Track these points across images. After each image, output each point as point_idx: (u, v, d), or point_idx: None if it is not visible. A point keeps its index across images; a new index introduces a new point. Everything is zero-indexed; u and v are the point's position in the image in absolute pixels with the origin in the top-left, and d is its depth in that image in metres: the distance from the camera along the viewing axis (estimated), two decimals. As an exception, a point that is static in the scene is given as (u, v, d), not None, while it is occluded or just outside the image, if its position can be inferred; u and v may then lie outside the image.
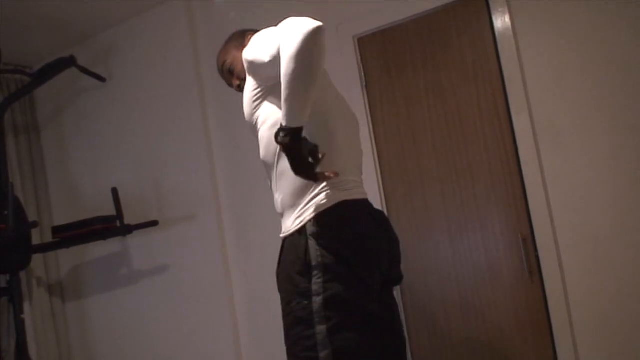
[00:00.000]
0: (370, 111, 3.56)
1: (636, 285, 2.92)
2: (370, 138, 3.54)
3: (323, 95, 2.12)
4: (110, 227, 3.91)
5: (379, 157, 3.53)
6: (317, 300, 1.94)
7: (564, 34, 3.07)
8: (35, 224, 4.04)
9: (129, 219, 3.89)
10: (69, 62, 3.93)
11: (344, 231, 2.01)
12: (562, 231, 3.07)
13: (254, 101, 2.19)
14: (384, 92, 3.54)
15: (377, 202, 3.47)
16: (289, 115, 1.85)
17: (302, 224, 2.04)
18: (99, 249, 4.26)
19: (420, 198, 3.43)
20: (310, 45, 1.78)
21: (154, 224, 3.93)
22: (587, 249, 3.01)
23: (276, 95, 2.08)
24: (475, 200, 3.30)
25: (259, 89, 2.16)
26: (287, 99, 1.83)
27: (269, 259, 3.69)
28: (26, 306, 4.03)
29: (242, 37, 2.42)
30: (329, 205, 2.03)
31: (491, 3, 3.22)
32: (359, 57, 3.57)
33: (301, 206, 2.07)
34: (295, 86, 1.81)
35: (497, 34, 3.21)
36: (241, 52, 2.24)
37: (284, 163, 2.02)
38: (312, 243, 1.99)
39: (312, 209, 2.03)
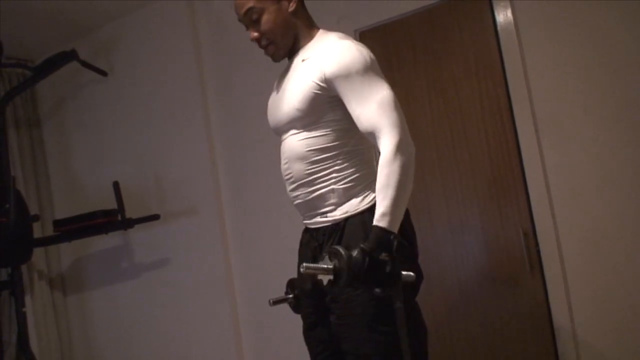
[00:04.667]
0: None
1: (637, 280, 2.92)
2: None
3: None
4: (111, 220, 3.91)
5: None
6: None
7: (565, 29, 3.06)
8: (36, 217, 4.04)
9: (130, 213, 3.89)
10: (70, 56, 3.93)
11: (408, 220, 2.11)
12: (563, 226, 3.07)
13: (329, 100, 2.09)
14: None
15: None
16: (397, 221, 1.88)
17: (373, 202, 2.04)
18: (100, 243, 4.26)
19: (421, 193, 3.42)
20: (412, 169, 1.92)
21: (155, 217, 3.93)
22: (588, 244, 3.01)
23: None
24: (476, 194, 3.30)
25: (333, 96, 2.07)
26: (399, 206, 1.88)
27: (270, 252, 3.71)
28: (27, 299, 4.03)
29: None
30: None
31: (493, -3, 3.22)
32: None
33: (369, 187, 2.10)
34: (405, 198, 1.89)
35: (499, 29, 3.21)
36: (278, 5, 2.15)
37: (352, 142, 2.11)
38: None
39: None
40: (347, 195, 2.10)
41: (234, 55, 3.92)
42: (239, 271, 3.91)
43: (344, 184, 2.10)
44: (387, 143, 1.91)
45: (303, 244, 2.31)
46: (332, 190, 2.11)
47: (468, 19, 3.33)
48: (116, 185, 3.84)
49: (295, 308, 2.36)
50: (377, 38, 3.55)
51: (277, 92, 2.28)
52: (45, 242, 4.20)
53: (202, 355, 3.93)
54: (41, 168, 4.52)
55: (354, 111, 2.00)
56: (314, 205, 2.17)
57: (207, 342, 3.91)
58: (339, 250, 1.78)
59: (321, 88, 2.04)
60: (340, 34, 2.18)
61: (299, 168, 2.16)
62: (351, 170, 2.12)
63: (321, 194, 2.13)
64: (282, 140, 2.25)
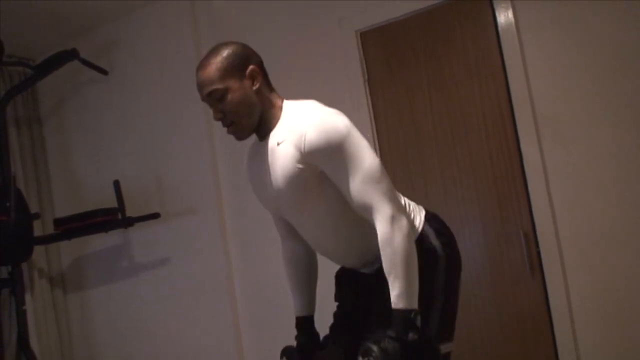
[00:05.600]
0: (372, 106, 3.56)
1: (638, 282, 2.92)
2: (372, 132, 3.54)
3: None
4: (111, 219, 3.91)
5: (380, 151, 3.53)
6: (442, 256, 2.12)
7: (566, 29, 3.07)
8: (37, 216, 4.05)
9: (130, 212, 3.89)
10: (71, 54, 3.93)
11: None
12: (563, 226, 3.07)
13: (321, 174, 2.02)
14: (386, 86, 3.54)
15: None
16: (414, 296, 1.90)
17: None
18: (100, 241, 4.26)
19: (421, 192, 3.42)
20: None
21: (155, 216, 3.93)
22: (588, 245, 3.02)
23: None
24: (477, 195, 3.30)
25: (322, 171, 2.01)
26: (412, 280, 1.90)
27: (270, 252, 3.70)
28: (27, 297, 4.03)
29: (242, 66, 2.07)
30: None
31: (494, -2, 3.22)
32: (362, 52, 3.57)
33: None
34: (413, 269, 1.91)
35: (499, 29, 3.21)
36: (241, 84, 2.05)
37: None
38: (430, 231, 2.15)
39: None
40: None
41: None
42: (239, 270, 3.91)
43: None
44: (380, 220, 1.91)
45: (345, 276, 2.35)
46: (370, 247, 2.06)
47: (469, 20, 3.33)
48: (116, 183, 3.84)
49: None
50: (377, 38, 3.55)
51: (261, 176, 2.18)
52: (45, 240, 4.20)
53: (202, 353, 3.93)
54: (42, 166, 4.52)
55: (341, 187, 1.98)
56: (354, 262, 2.20)
57: (207, 341, 3.91)
58: (370, 348, 1.84)
59: (307, 169, 1.97)
60: (307, 105, 2.08)
61: (327, 242, 2.18)
62: None
63: (360, 252, 2.13)
64: (291, 218, 2.21)
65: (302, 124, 1.98)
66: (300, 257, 2.39)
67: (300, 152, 1.96)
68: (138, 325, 4.13)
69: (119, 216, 3.89)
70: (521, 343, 3.20)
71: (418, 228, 2.13)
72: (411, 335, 1.85)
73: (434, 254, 2.10)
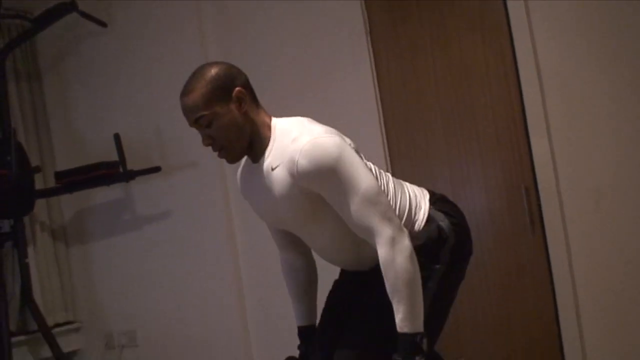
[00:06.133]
0: (375, 61, 3.52)
1: (638, 237, 2.94)
2: (374, 88, 3.52)
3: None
4: (112, 172, 3.92)
5: (382, 106, 3.51)
6: (451, 240, 2.10)
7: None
8: (37, 169, 4.05)
9: (131, 166, 3.89)
10: (69, 6, 3.87)
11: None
12: (565, 182, 3.08)
13: (318, 196, 1.99)
14: (389, 41, 3.50)
15: (380, 151, 3.48)
16: (419, 318, 1.89)
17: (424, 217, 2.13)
18: (102, 195, 4.26)
19: (423, 148, 3.42)
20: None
21: (156, 170, 3.93)
22: (589, 200, 3.03)
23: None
24: (479, 150, 3.30)
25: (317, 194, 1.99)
26: (415, 302, 1.88)
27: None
28: (30, 251, 4.05)
29: (227, 89, 2.02)
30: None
31: (500, -51, 3.17)
32: (364, 6, 3.52)
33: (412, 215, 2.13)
34: (417, 290, 1.89)
35: (504, -19, 3.17)
36: (227, 108, 2.01)
37: None
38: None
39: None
40: None
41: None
42: (240, 224, 3.92)
43: None
44: (380, 243, 1.89)
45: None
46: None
47: (473, -29, 3.28)
48: (117, 137, 3.83)
49: None
50: (381, -10, 3.50)
51: (259, 197, 2.14)
52: (47, 193, 4.20)
53: (204, 306, 3.97)
54: (42, 120, 4.50)
55: (339, 211, 1.96)
56: (363, 267, 2.15)
57: (209, 293, 3.94)
58: None
59: (305, 192, 1.95)
60: (297, 126, 2.02)
61: (334, 252, 2.17)
62: None
63: (370, 258, 2.05)
64: (295, 232, 2.19)
65: (293, 149, 1.93)
66: (300, 268, 2.38)
67: (295, 179, 1.93)
68: (140, 278, 4.16)
69: (120, 169, 3.89)
70: (521, 296, 3.23)
71: (424, 216, 2.12)
72: (417, 359, 1.86)
73: (442, 233, 2.09)
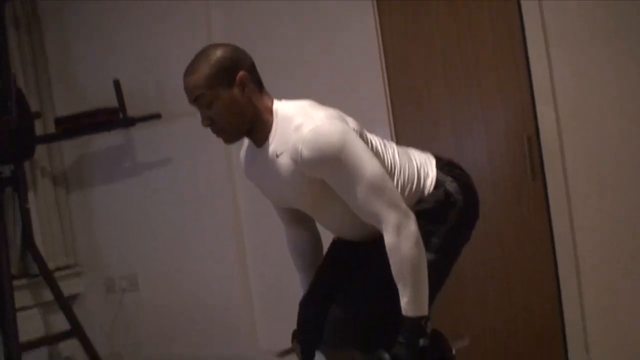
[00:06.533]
0: (379, 17, 3.48)
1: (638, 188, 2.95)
2: (378, 42, 3.49)
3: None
4: (112, 118, 3.91)
5: (385, 57, 3.49)
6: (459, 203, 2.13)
7: None
8: (37, 115, 4.03)
9: (132, 112, 3.87)
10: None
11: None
12: (567, 134, 3.08)
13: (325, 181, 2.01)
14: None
15: (382, 102, 3.46)
16: (423, 301, 1.93)
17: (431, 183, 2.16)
18: (102, 141, 4.26)
19: (425, 97, 3.41)
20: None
21: (156, 116, 3.92)
22: (591, 152, 3.04)
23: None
24: (481, 98, 3.29)
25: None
26: (421, 286, 1.92)
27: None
28: (30, 196, 4.05)
29: (231, 72, 2.00)
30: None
31: None
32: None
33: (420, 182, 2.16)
34: (422, 274, 1.92)
35: None
36: (230, 91, 1.99)
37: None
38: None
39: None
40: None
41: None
42: (241, 172, 3.91)
43: None
44: (386, 229, 1.91)
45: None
46: None
47: None
48: (116, 83, 3.80)
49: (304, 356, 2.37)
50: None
51: (265, 181, 2.16)
52: (47, 139, 4.20)
53: (204, 253, 3.99)
54: (41, 66, 4.46)
55: (345, 198, 1.97)
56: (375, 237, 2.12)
57: (208, 239, 3.97)
58: (382, 356, 1.93)
59: (311, 179, 1.96)
60: (300, 111, 2.00)
61: (344, 228, 2.19)
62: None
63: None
64: (305, 211, 2.21)
65: (296, 138, 1.92)
66: (305, 242, 2.40)
67: (299, 167, 1.94)
68: (140, 224, 4.18)
69: (120, 116, 3.87)
70: (519, 247, 3.25)
71: (432, 182, 2.15)
72: (421, 342, 1.91)
73: (450, 197, 2.12)
